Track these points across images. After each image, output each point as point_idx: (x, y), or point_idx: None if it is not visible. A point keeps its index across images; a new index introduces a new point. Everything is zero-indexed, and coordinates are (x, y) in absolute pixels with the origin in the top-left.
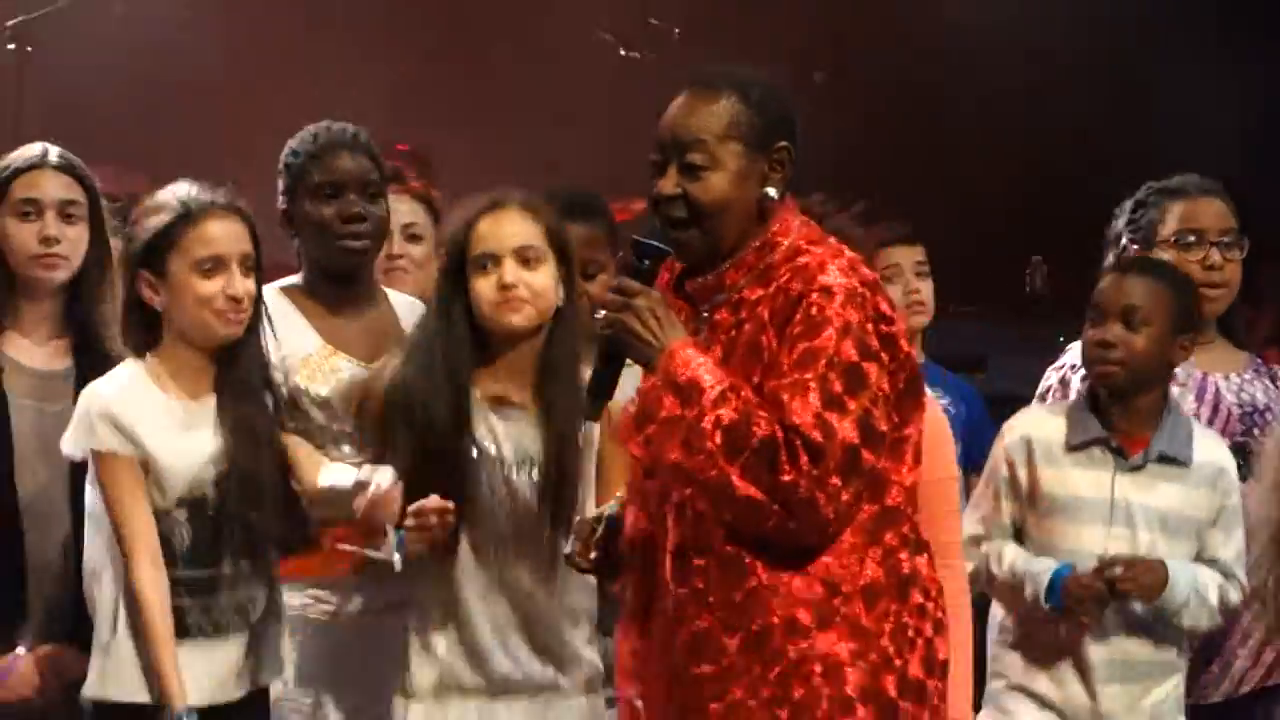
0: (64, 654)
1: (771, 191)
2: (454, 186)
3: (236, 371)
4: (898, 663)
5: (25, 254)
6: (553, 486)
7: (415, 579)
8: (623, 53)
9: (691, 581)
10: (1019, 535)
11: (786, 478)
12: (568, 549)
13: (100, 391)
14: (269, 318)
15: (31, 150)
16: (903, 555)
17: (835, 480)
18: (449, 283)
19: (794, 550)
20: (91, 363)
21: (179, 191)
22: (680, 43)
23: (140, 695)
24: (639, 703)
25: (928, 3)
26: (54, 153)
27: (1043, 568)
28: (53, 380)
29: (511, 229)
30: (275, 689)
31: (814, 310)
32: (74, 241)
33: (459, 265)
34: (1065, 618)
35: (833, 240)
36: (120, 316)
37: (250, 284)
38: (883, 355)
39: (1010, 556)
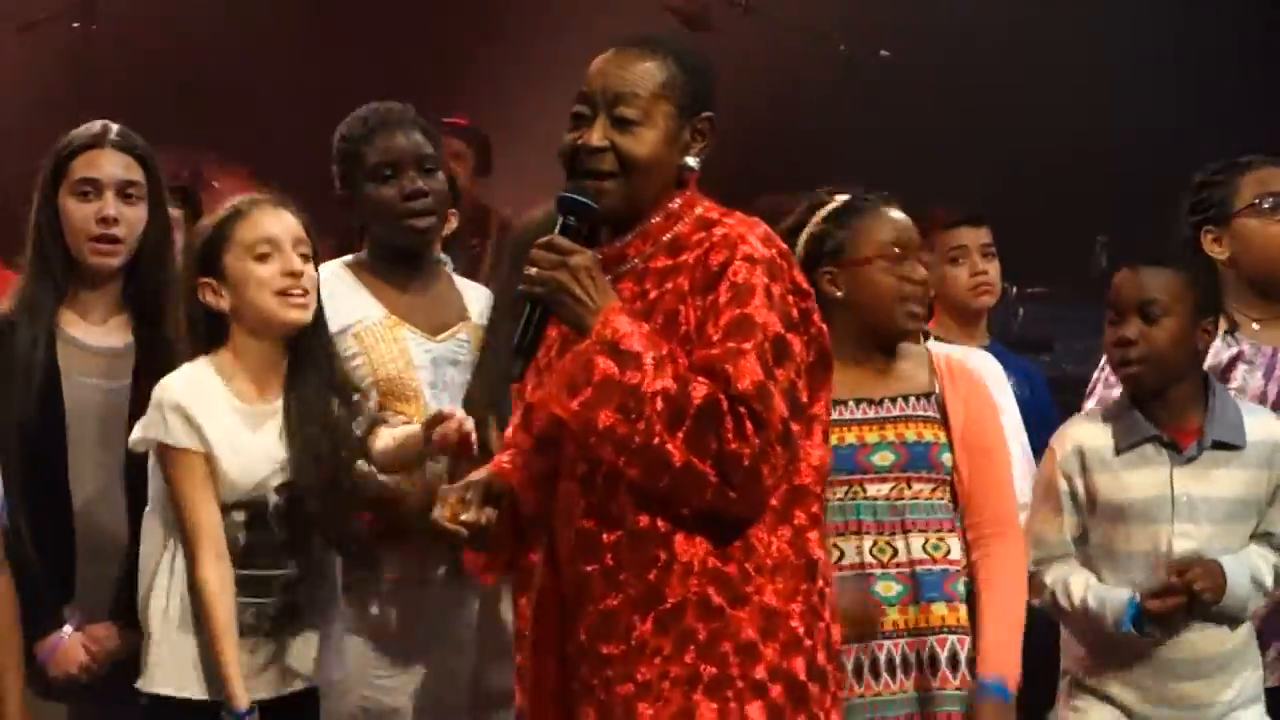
0: (110, 632)
1: (691, 161)
2: (514, 168)
3: (305, 372)
4: (807, 644)
5: (84, 234)
6: None
7: None
8: (689, 30)
9: (600, 558)
10: (1080, 545)
11: (732, 446)
12: (435, 513)
13: (173, 385)
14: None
15: (92, 128)
16: (811, 535)
17: (777, 450)
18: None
19: (708, 527)
20: (151, 340)
21: (230, 200)
22: (747, 20)
23: (198, 692)
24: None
25: None
26: (114, 131)
27: (1117, 599)
28: (114, 357)
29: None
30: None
31: (739, 278)
32: (132, 222)
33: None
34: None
35: (738, 213)
36: (184, 328)
37: (310, 267)
38: (800, 328)
39: (1079, 590)
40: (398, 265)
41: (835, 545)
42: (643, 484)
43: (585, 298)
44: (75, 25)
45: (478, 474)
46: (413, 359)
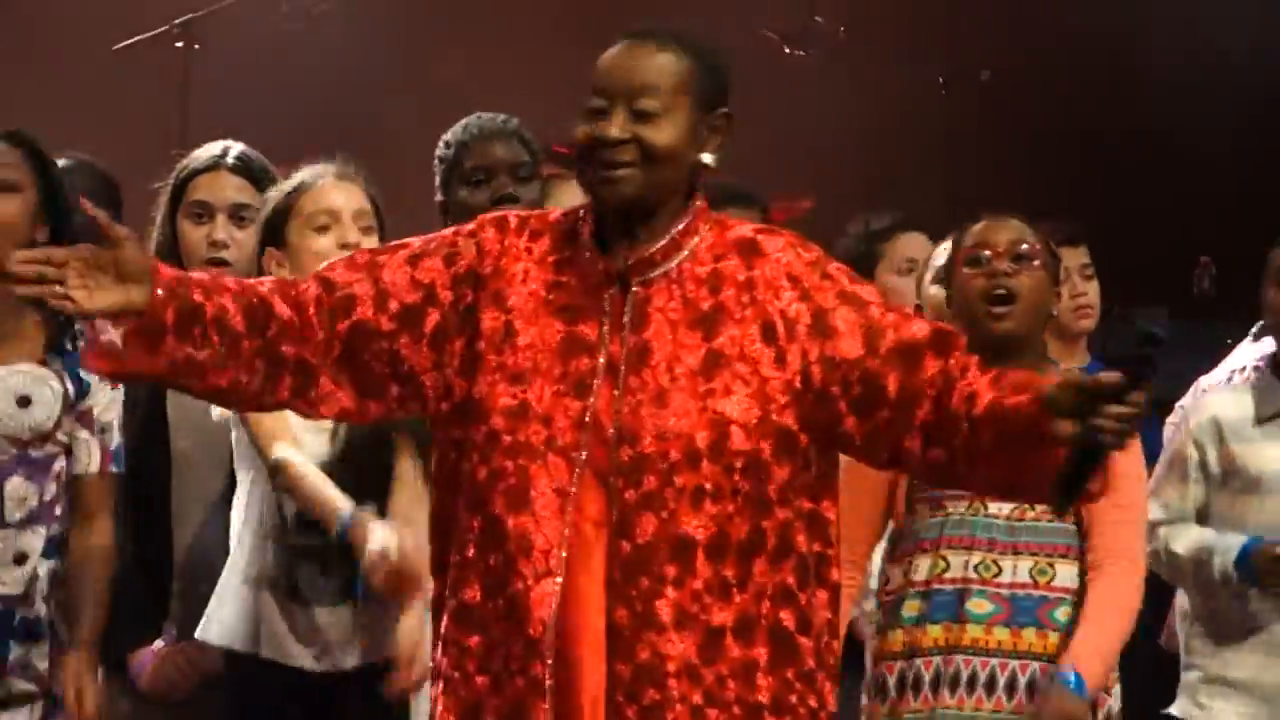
0: (203, 649)
1: (708, 158)
2: None
3: None
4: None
5: (196, 257)
6: None
7: None
8: (787, 51)
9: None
10: (1201, 520)
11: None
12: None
13: None
14: None
15: (212, 150)
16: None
17: None
18: None
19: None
20: None
21: (300, 172)
22: (846, 41)
23: (252, 647)
24: None
25: (1095, 4)
26: (233, 153)
27: (1232, 540)
28: None
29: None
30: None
31: (834, 269)
32: (242, 244)
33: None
34: (1257, 588)
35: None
36: None
37: (370, 242)
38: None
39: (1195, 534)
40: None
41: (943, 557)
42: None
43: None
44: (179, 45)
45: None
46: None
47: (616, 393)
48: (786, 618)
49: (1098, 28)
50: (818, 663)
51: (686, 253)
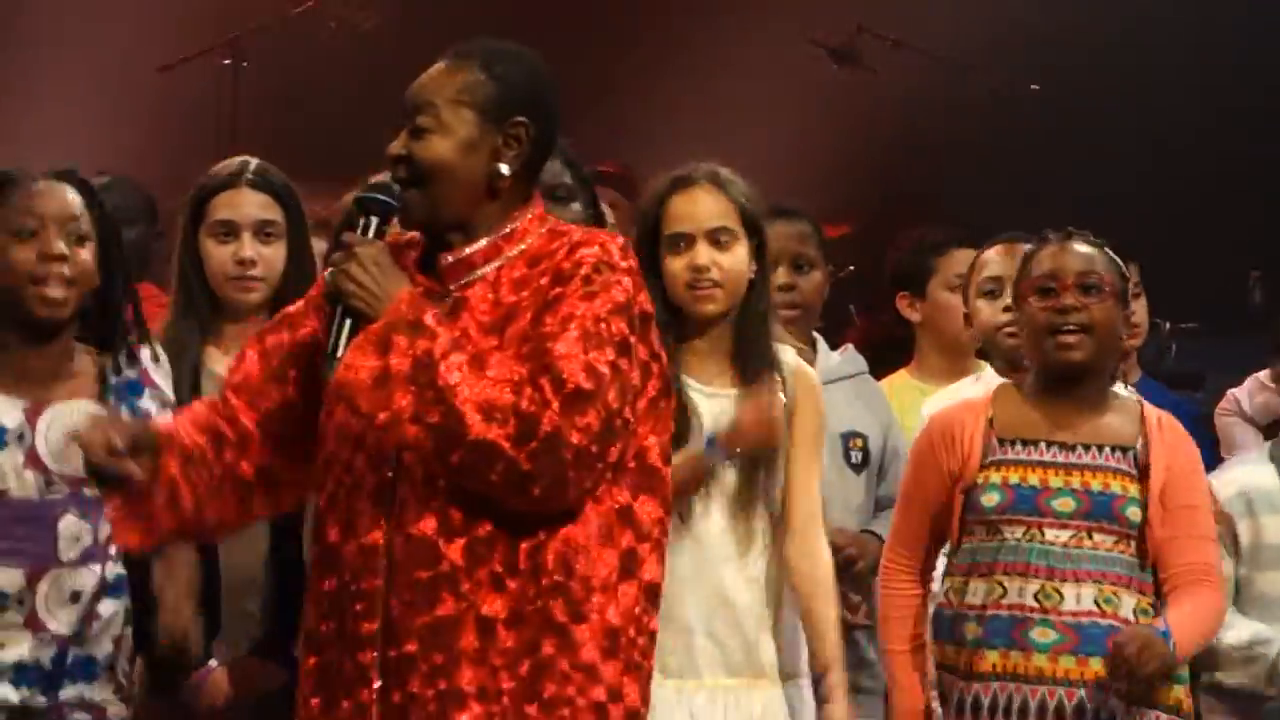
0: (256, 666)
1: (504, 168)
2: None
3: None
4: (645, 668)
5: (222, 275)
6: (753, 469)
7: None
8: (835, 65)
9: (437, 565)
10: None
11: (529, 409)
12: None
13: None
14: None
15: (229, 166)
16: (647, 558)
17: (590, 421)
18: (648, 262)
19: (542, 529)
20: None
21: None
22: (896, 54)
23: None
24: None
25: (1143, 19)
26: (252, 168)
27: None
28: None
29: (707, 209)
30: None
31: (586, 273)
32: (270, 261)
33: (651, 242)
34: None
35: (600, 230)
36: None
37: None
38: (644, 342)
39: (1244, 624)
40: None
41: (1000, 583)
42: (435, 459)
43: (372, 284)
44: (226, 63)
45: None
46: None
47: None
48: (558, 609)
49: (1149, 42)
50: (604, 655)
51: (508, 257)
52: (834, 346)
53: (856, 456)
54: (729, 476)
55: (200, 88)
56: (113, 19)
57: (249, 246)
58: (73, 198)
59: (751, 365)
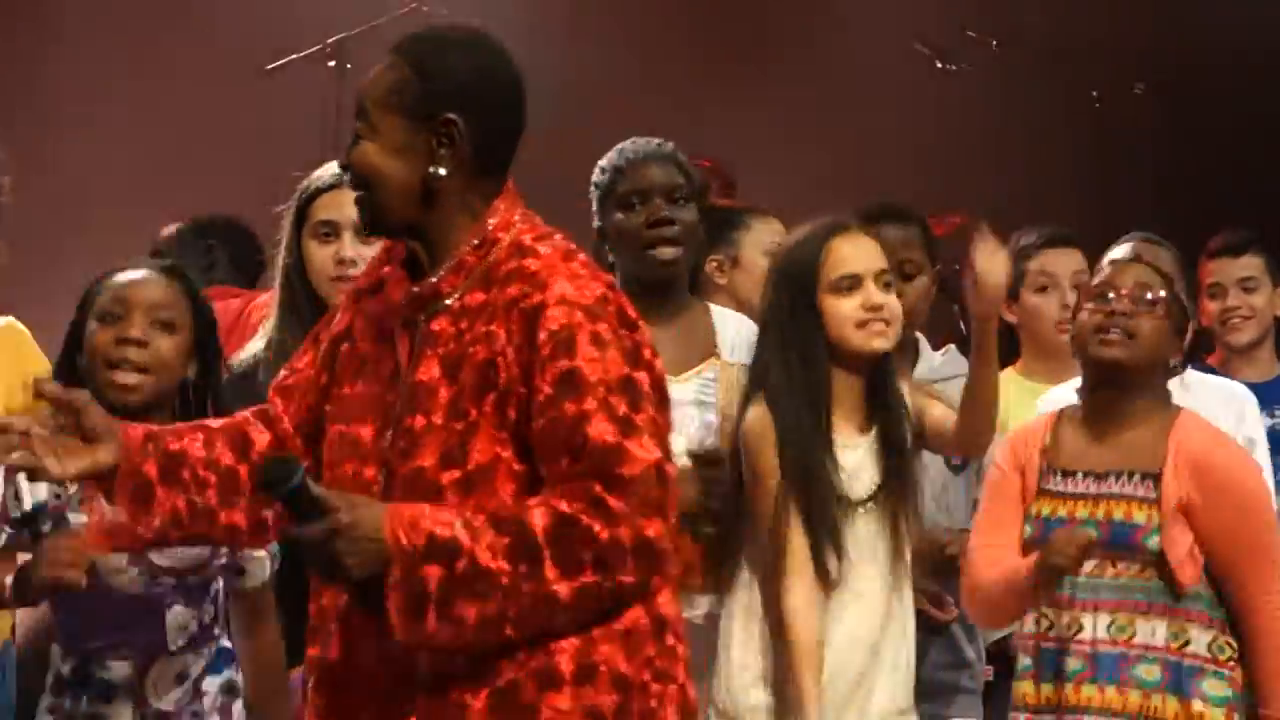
0: None
1: (439, 170)
2: (762, 204)
3: None
4: (660, 715)
5: (324, 275)
6: (895, 519)
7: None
8: (939, 65)
9: None
10: None
11: (605, 537)
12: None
13: None
14: None
15: (332, 168)
16: (659, 593)
17: (655, 497)
18: (799, 307)
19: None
20: None
21: None
22: (999, 54)
23: None
24: None
25: (1260, 18)
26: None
27: None
28: None
29: (869, 251)
30: None
31: (557, 325)
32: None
33: (808, 288)
34: None
35: (558, 236)
36: None
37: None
38: (642, 364)
39: None
40: (643, 300)
41: (1045, 614)
42: (540, 635)
43: (369, 545)
44: (330, 65)
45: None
46: None
47: (386, 441)
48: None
49: (1256, 42)
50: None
51: (466, 281)
52: (937, 346)
53: (956, 458)
54: (872, 533)
55: (304, 90)
56: (217, 21)
57: (349, 246)
58: (164, 286)
59: (886, 416)
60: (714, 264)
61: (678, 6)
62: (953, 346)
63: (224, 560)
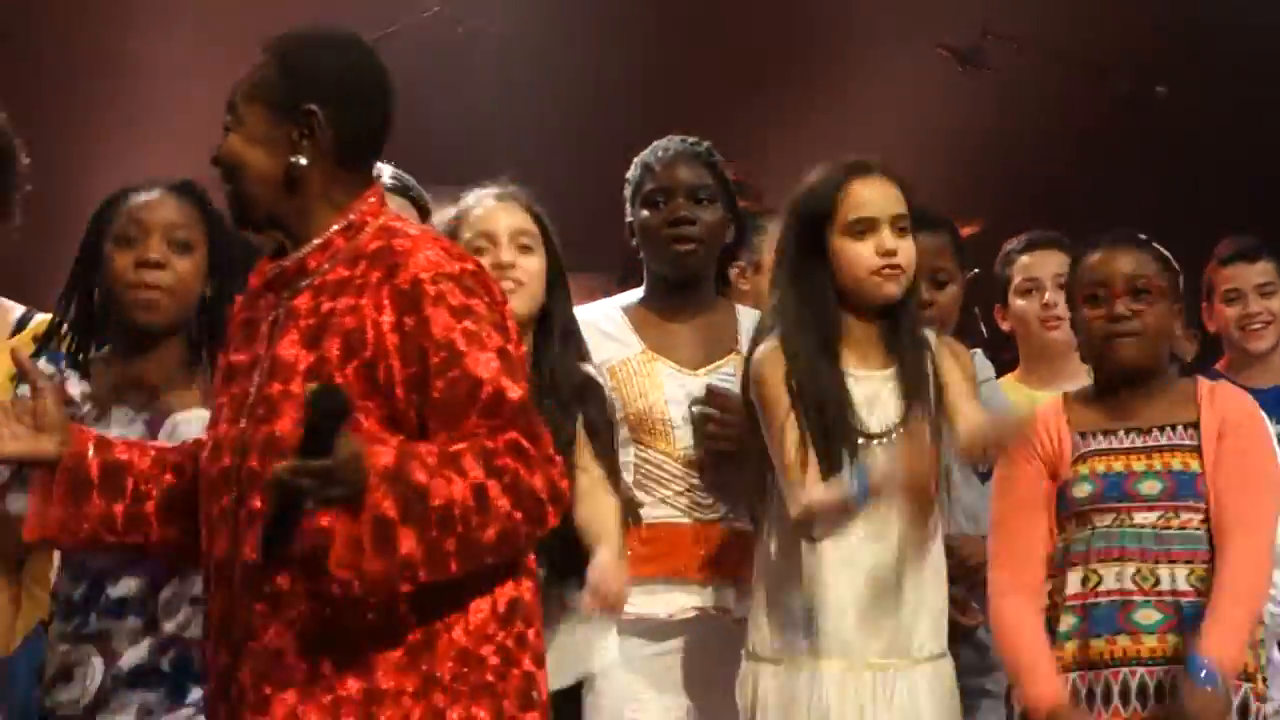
0: None
1: (300, 160)
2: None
3: (550, 384)
4: (498, 689)
5: None
6: (915, 446)
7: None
8: (960, 68)
9: (266, 593)
10: None
11: (531, 480)
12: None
13: None
14: (588, 330)
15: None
16: (510, 573)
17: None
18: (810, 246)
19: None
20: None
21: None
22: (1021, 57)
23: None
24: None
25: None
26: (387, 174)
27: None
28: None
29: (887, 196)
30: (597, 670)
31: (434, 293)
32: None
33: (819, 227)
34: None
35: (425, 226)
36: None
37: (528, 261)
38: (513, 340)
39: None
40: (667, 297)
41: (1094, 571)
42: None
43: (353, 478)
44: None
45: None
46: (665, 393)
47: (244, 419)
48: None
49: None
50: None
51: (330, 261)
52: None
53: (983, 465)
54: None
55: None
56: (245, 23)
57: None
58: (179, 207)
59: (904, 345)
60: (737, 270)
61: (703, 12)
62: (979, 351)
63: None
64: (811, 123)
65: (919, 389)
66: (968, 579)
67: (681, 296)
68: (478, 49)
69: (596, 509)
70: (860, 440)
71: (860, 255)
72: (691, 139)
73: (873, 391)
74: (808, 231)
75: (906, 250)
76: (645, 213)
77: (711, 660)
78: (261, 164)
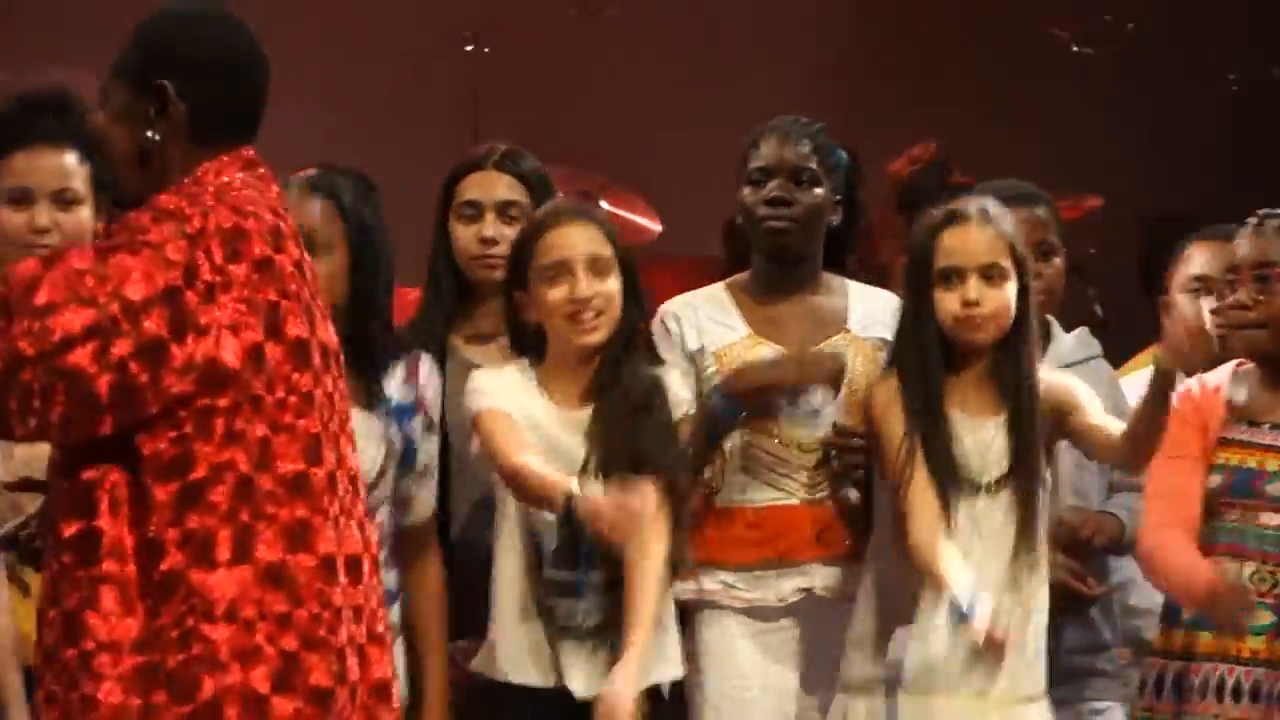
0: (473, 647)
1: (151, 134)
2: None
3: (611, 382)
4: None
5: (467, 254)
6: (1025, 497)
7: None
8: (1075, 49)
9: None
10: None
11: None
12: None
13: (484, 373)
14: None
15: (478, 151)
16: (262, 528)
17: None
18: (913, 291)
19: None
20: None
21: (542, 208)
22: (1135, 39)
23: (534, 679)
24: None
25: None
26: (498, 153)
27: None
28: None
29: (978, 244)
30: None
31: (131, 220)
32: (511, 241)
33: (923, 273)
34: None
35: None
36: (509, 337)
37: (604, 285)
38: (194, 285)
39: None
40: (769, 277)
41: (1216, 564)
42: None
43: None
44: (468, 49)
45: None
46: None
47: None
48: (71, 600)
49: None
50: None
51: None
52: (1069, 328)
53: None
54: (999, 520)
55: (444, 76)
56: (356, 5)
57: (491, 226)
58: (315, 207)
59: (1017, 396)
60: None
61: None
62: (1085, 329)
63: (387, 490)
64: (923, 99)
65: (1028, 436)
66: (1079, 554)
67: (783, 276)
68: (588, 28)
69: (641, 564)
70: (966, 489)
71: (945, 304)
72: (805, 119)
73: (985, 440)
74: (913, 279)
75: (994, 299)
76: (746, 190)
77: (820, 639)
78: (120, 140)
